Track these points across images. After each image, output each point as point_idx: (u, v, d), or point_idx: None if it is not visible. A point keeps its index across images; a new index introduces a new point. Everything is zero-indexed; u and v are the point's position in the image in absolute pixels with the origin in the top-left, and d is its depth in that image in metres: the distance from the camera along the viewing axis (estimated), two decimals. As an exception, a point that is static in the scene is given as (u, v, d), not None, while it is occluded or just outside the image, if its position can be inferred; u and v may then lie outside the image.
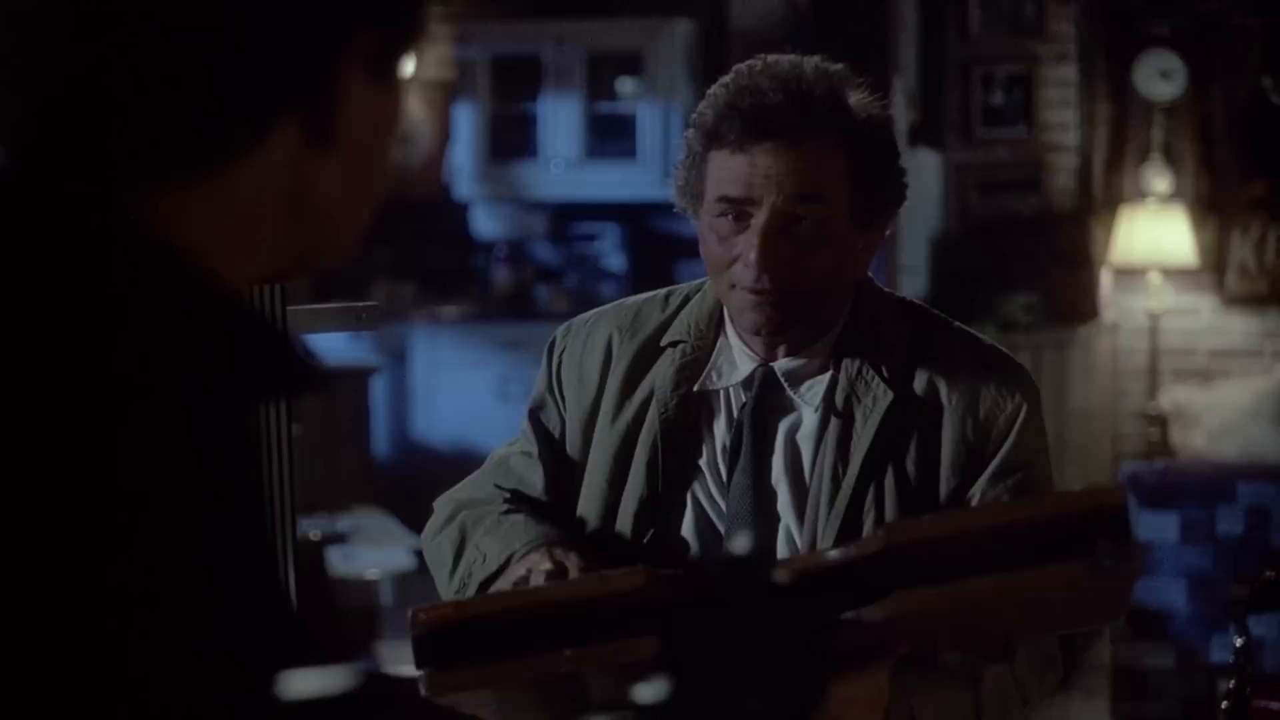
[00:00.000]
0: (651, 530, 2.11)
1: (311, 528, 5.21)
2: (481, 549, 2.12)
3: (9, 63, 0.91)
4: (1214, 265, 7.54)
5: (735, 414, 2.13)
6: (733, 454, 2.11)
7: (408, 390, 8.19)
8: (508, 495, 2.20)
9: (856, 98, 2.06)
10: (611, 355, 2.18)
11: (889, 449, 2.07)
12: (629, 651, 1.81)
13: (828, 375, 2.11)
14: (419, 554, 5.48)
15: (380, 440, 7.91)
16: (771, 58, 2.06)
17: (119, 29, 0.89)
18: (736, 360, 2.13)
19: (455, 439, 7.91)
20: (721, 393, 2.14)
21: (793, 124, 2.00)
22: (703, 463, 2.13)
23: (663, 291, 2.24)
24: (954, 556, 1.81)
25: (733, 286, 2.05)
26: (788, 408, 2.12)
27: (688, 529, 2.12)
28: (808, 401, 2.11)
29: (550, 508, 2.18)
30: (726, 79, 2.06)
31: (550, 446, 2.20)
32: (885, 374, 2.09)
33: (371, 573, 5.34)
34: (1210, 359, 7.58)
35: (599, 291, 8.35)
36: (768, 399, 2.12)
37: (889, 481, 2.06)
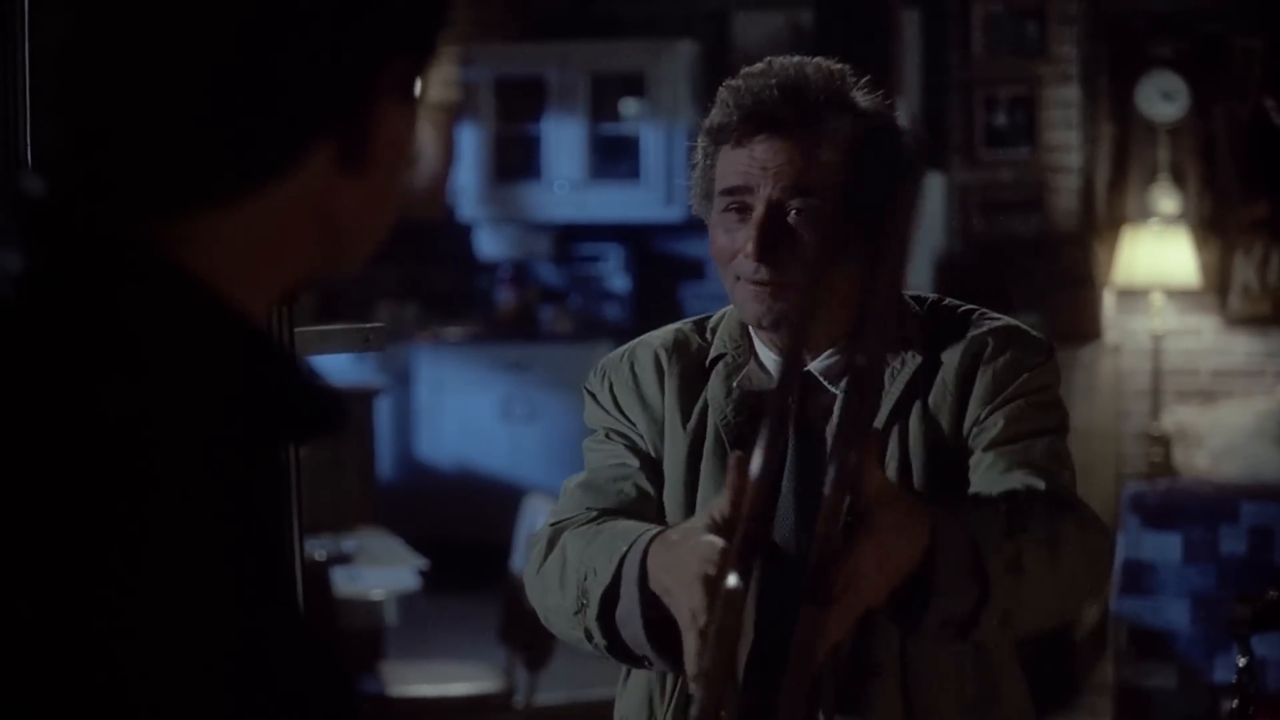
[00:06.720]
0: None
1: (316, 548, 5.21)
2: (587, 564, 2.04)
3: (48, 89, 0.92)
4: (1216, 286, 7.55)
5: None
6: (779, 461, 2.09)
7: (412, 411, 8.20)
8: (598, 511, 2.14)
9: (859, 96, 2.12)
10: (663, 370, 2.19)
11: (913, 400, 2.11)
12: None
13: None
14: (423, 574, 5.49)
15: (385, 461, 7.91)
16: (776, 60, 2.14)
17: (167, 55, 0.90)
18: (769, 364, 2.15)
19: (459, 459, 7.90)
20: (766, 396, 2.13)
21: (788, 118, 2.07)
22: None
23: (689, 321, 2.25)
24: None
25: (737, 279, 2.09)
26: (830, 405, 2.11)
27: None
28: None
29: (645, 514, 2.13)
30: (733, 81, 2.12)
31: (639, 458, 2.18)
32: (910, 345, 2.12)
33: (376, 593, 5.34)
34: (1213, 379, 7.59)
35: (603, 312, 8.37)
36: (810, 401, 2.13)
37: (913, 423, 2.10)
